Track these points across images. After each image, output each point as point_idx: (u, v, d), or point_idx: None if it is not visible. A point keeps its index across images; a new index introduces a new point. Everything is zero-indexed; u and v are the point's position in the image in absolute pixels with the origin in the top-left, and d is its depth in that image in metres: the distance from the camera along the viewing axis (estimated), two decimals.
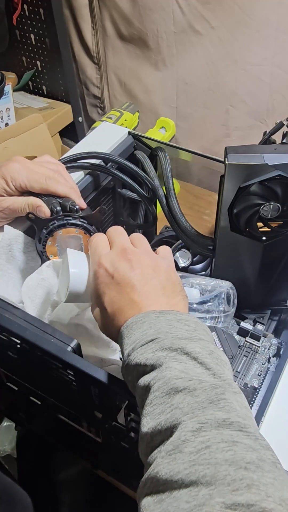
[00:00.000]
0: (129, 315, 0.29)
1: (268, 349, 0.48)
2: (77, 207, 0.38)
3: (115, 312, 0.30)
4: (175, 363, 0.25)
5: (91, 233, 0.38)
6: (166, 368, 0.24)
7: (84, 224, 0.38)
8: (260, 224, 0.42)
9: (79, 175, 0.50)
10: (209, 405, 0.22)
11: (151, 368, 0.25)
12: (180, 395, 0.23)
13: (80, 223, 0.38)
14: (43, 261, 0.39)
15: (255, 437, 0.21)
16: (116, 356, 0.40)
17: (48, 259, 0.38)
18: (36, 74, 0.92)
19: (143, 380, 0.25)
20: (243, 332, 0.50)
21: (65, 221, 0.37)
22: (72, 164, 0.49)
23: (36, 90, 0.94)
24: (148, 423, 0.23)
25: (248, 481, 0.18)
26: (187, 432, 0.21)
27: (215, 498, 0.18)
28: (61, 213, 0.38)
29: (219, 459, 0.19)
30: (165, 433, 0.22)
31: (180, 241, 0.55)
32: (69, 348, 0.33)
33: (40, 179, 0.38)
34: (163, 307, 0.30)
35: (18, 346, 0.36)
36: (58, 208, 0.38)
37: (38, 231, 0.37)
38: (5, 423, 0.60)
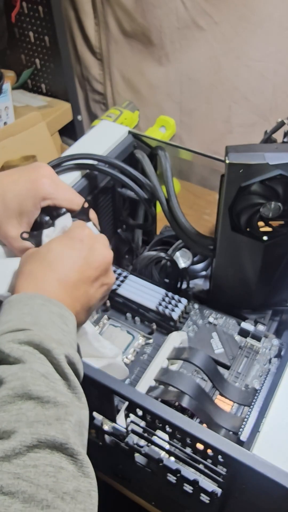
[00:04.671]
0: (22, 286, 0.30)
1: (269, 350, 0.48)
2: (63, 210, 0.38)
3: (21, 274, 0.31)
4: (39, 365, 0.25)
5: None
6: (28, 369, 0.24)
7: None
8: (261, 223, 0.42)
9: (77, 175, 0.49)
10: (55, 422, 0.23)
11: (14, 361, 0.25)
12: (32, 403, 0.23)
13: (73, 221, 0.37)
14: None
15: (81, 464, 0.22)
16: (105, 361, 0.40)
17: None
18: (35, 72, 0.91)
19: (2, 371, 0.25)
20: (244, 333, 0.49)
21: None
22: (71, 164, 0.49)
23: (35, 88, 0.94)
24: None
25: None
26: (22, 446, 0.21)
27: None
28: (51, 221, 0.37)
29: (42, 483, 0.20)
30: (2, 434, 0.22)
31: (180, 241, 0.54)
32: None
33: (69, 198, 0.37)
34: (59, 293, 0.30)
35: None
36: (47, 218, 0.37)
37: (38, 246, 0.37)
38: None
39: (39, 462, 0.21)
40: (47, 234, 0.36)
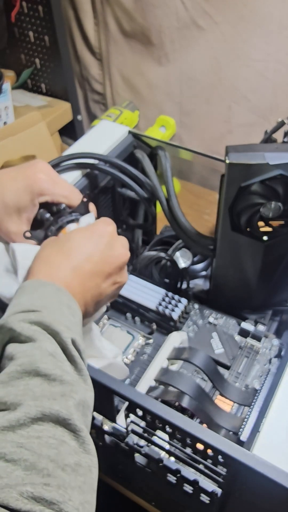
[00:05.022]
0: (37, 270, 0.31)
1: (269, 350, 0.48)
2: (63, 205, 0.38)
3: (37, 258, 0.32)
4: (48, 344, 0.25)
5: None
6: (37, 347, 0.25)
7: (78, 217, 0.38)
8: (261, 223, 0.42)
9: (77, 174, 0.49)
10: (60, 397, 0.23)
11: (24, 339, 0.26)
12: (39, 379, 0.24)
13: (74, 217, 0.37)
14: None
15: (83, 441, 0.23)
16: (106, 362, 0.40)
17: None
18: (35, 72, 0.91)
19: (12, 348, 0.25)
20: (244, 333, 0.49)
21: (60, 223, 0.37)
22: (71, 163, 0.49)
23: (35, 88, 0.94)
24: None
25: (60, 481, 0.20)
26: (27, 418, 0.22)
27: (26, 486, 0.19)
28: (52, 218, 0.37)
29: (44, 453, 0.21)
30: (8, 406, 0.23)
31: (180, 240, 0.54)
32: None
33: (66, 194, 0.38)
34: (71, 281, 0.30)
35: None
36: (47, 215, 0.38)
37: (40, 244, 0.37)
38: None
39: (42, 434, 0.21)
40: (71, 229, 0.37)
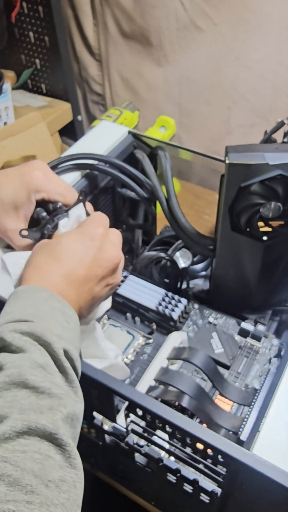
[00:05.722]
0: (29, 276, 0.30)
1: (269, 350, 0.48)
2: (59, 204, 0.38)
3: (29, 264, 0.31)
4: (38, 356, 0.25)
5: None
6: (27, 359, 0.25)
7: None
8: (261, 223, 0.42)
9: (77, 175, 0.49)
10: (47, 411, 0.23)
11: (15, 349, 0.25)
12: (27, 392, 0.23)
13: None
14: None
15: (69, 455, 0.23)
16: (107, 362, 0.39)
17: None
18: (35, 72, 0.91)
19: (2, 358, 0.25)
20: (244, 333, 0.49)
21: (56, 221, 0.37)
22: (71, 163, 0.49)
23: (35, 88, 0.94)
24: None
25: (43, 499, 0.20)
26: (12, 432, 0.21)
27: (8, 503, 0.19)
28: (48, 216, 0.37)
29: (28, 468, 0.21)
30: None
31: (180, 241, 0.54)
32: None
33: (62, 192, 0.38)
34: (63, 287, 0.30)
35: None
36: (44, 213, 0.38)
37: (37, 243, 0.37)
38: None
39: (28, 448, 0.21)
40: (63, 225, 0.36)
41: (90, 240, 0.33)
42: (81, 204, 0.37)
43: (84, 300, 0.32)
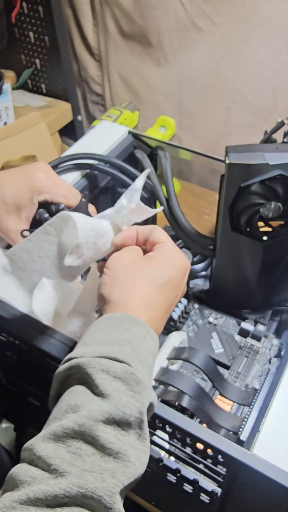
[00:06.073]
0: (137, 305, 0.27)
1: (269, 350, 0.48)
2: (62, 206, 0.38)
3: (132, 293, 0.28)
4: (120, 411, 0.23)
5: None
6: (106, 412, 0.22)
7: None
8: (261, 223, 0.42)
9: (77, 175, 0.49)
10: (109, 478, 0.21)
11: (98, 393, 0.23)
12: (92, 448, 0.22)
13: None
14: None
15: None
16: None
17: None
18: (35, 72, 0.91)
19: (82, 399, 0.23)
20: (244, 333, 0.49)
21: None
22: (71, 163, 0.49)
23: (35, 88, 0.94)
24: (47, 443, 0.22)
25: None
26: (65, 497, 0.20)
27: None
28: (50, 217, 0.37)
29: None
30: (51, 470, 0.21)
31: (180, 241, 0.54)
32: (68, 349, 0.33)
33: (65, 194, 0.37)
34: (161, 323, 0.28)
35: (20, 346, 0.35)
36: (46, 215, 0.38)
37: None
38: (4, 425, 0.60)
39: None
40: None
41: (176, 258, 0.30)
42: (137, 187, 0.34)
43: (162, 325, 0.30)
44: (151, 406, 0.24)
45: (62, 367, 0.25)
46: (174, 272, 0.30)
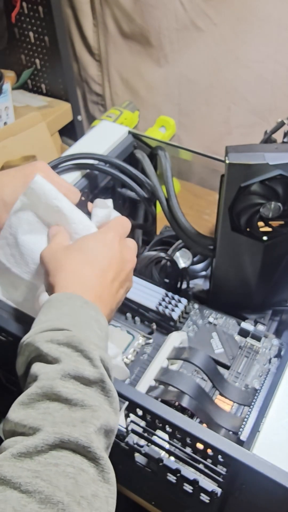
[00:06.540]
0: (64, 282, 0.29)
1: (269, 350, 0.48)
2: None
3: (61, 270, 0.30)
4: (73, 366, 0.25)
5: None
6: (61, 370, 0.24)
7: None
8: (261, 223, 0.42)
9: (77, 175, 0.49)
10: (80, 424, 0.23)
11: (51, 360, 0.25)
12: (59, 404, 0.23)
13: None
14: None
15: (102, 469, 0.22)
16: None
17: None
18: (35, 72, 0.91)
19: (37, 368, 0.25)
20: (244, 333, 0.49)
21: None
22: (71, 163, 0.49)
23: (35, 88, 0.94)
24: (18, 411, 0.23)
25: None
26: (45, 445, 0.21)
27: None
28: None
29: (60, 484, 0.20)
30: (27, 430, 0.22)
31: (180, 241, 0.54)
32: None
33: (65, 193, 0.37)
34: (99, 293, 0.30)
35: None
36: None
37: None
38: None
39: (60, 461, 0.21)
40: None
41: (116, 243, 0.33)
42: (107, 205, 0.37)
43: (114, 303, 0.32)
44: (103, 362, 0.26)
45: (18, 354, 0.27)
46: (92, 237, 0.32)
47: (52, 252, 0.33)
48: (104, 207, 0.38)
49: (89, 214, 0.38)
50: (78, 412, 0.23)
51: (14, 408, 0.24)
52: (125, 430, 0.36)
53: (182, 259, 0.55)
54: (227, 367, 0.47)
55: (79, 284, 0.30)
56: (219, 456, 0.30)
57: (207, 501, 0.35)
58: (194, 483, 0.34)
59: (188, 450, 0.32)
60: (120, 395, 0.31)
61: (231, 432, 0.39)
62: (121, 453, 0.39)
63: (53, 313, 0.27)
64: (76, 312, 0.27)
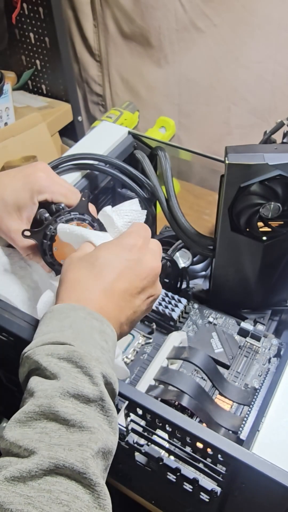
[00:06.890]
0: (66, 294, 0.29)
1: (269, 350, 0.48)
2: (62, 205, 0.38)
3: (65, 281, 0.30)
4: (72, 384, 0.24)
5: (86, 220, 0.38)
6: (59, 388, 0.24)
7: (77, 215, 0.38)
8: (260, 224, 0.42)
9: (77, 175, 0.50)
10: (77, 448, 0.22)
11: (49, 375, 0.24)
12: (56, 424, 0.22)
13: (73, 216, 0.38)
14: (56, 271, 0.38)
15: (98, 496, 0.22)
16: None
17: (60, 265, 0.38)
18: (36, 73, 0.91)
19: (35, 383, 0.24)
20: (243, 333, 0.49)
21: (59, 222, 0.37)
22: (71, 164, 0.49)
23: (35, 89, 0.94)
24: (14, 429, 0.23)
25: None
26: (39, 470, 0.21)
27: None
28: (51, 217, 0.37)
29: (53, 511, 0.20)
30: (22, 452, 0.22)
31: (180, 241, 0.55)
32: None
33: (65, 193, 0.37)
34: (103, 303, 0.29)
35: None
36: (47, 214, 0.38)
37: (40, 245, 0.37)
38: (4, 424, 0.60)
39: (54, 488, 0.20)
40: (98, 236, 0.35)
41: (128, 252, 0.31)
42: (132, 209, 0.36)
43: (125, 316, 0.30)
44: (105, 378, 0.25)
45: (19, 365, 0.27)
46: (102, 252, 0.31)
47: (66, 263, 0.32)
48: (130, 210, 0.36)
49: (89, 214, 0.38)
50: (76, 434, 0.22)
51: (10, 426, 0.23)
52: (125, 429, 0.36)
53: (182, 259, 0.55)
54: (226, 367, 0.47)
55: (78, 296, 0.29)
56: (219, 455, 0.30)
57: (207, 500, 0.35)
58: (194, 482, 0.34)
59: (188, 449, 0.32)
60: (120, 394, 0.31)
61: (230, 432, 0.39)
62: (121, 452, 0.39)
63: (54, 325, 0.27)
64: (78, 325, 0.26)
